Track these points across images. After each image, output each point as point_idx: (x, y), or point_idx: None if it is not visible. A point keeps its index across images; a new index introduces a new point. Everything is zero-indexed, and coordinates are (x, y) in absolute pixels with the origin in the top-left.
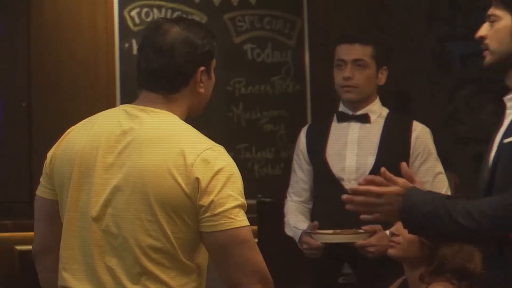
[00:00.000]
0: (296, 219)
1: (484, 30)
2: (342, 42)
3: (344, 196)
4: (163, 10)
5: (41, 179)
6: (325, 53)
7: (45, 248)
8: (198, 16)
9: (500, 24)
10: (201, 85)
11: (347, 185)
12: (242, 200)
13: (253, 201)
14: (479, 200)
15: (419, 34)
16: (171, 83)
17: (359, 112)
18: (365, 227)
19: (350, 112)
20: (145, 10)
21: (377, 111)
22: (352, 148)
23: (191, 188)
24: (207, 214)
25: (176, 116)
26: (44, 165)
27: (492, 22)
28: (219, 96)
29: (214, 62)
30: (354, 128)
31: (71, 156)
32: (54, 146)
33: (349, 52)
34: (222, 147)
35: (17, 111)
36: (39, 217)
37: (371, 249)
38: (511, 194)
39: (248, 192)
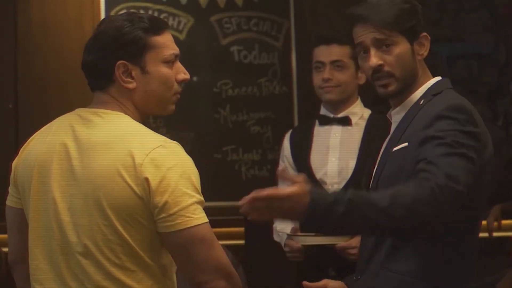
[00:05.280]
0: (283, 224)
1: (378, 58)
2: (320, 44)
3: (241, 201)
4: (150, 12)
5: (9, 189)
6: (311, 55)
7: (19, 258)
8: (185, 18)
9: (399, 49)
10: (129, 80)
11: (330, 189)
12: (198, 196)
13: None
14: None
15: None
16: (95, 81)
17: (340, 115)
18: None
19: (331, 115)
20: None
21: (359, 113)
22: (334, 152)
23: (141, 188)
24: (163, 215)
25: (128, 116)
26: (11, 175)
27: (387, 47)
28: (206, 98)
29: (155, 54)
30: (336, 131)
31: (30, 164)
32: (17, 156)
33: (327, 53)
34: (175, 142)
35: (3, 113)
36: (10, 227)
37: (352, 251)
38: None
39: (235, 194)
